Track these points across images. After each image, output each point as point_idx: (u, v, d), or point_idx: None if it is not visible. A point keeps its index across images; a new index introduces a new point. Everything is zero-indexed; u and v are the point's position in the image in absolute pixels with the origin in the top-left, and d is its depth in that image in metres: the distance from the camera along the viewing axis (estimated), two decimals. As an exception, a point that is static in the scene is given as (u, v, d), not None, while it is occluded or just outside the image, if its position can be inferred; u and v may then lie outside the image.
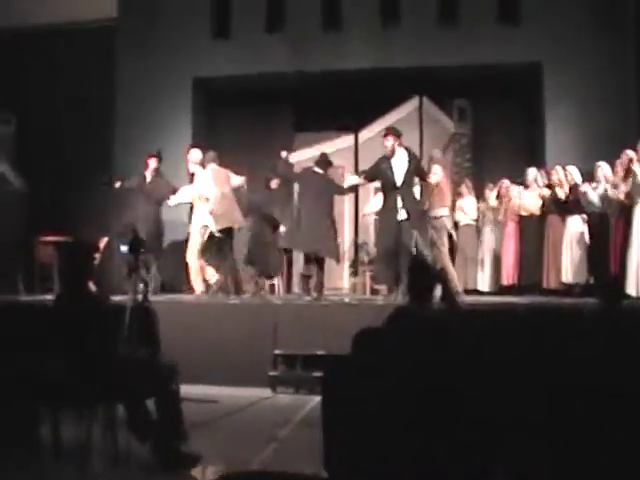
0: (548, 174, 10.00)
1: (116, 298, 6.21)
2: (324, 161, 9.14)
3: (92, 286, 5.71)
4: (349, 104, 12.35)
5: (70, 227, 10.33)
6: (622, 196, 8.55)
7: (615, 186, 8.72)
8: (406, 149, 8.63)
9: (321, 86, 12.22)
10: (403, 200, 8.35)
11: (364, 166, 12.49)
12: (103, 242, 10.22)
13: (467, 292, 9.93)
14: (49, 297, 6.99)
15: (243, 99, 12.95)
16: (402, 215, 8.35)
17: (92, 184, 11.04)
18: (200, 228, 9.29)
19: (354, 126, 13.12)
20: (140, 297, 5.23)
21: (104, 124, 12.23)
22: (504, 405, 3.20)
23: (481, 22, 11.51)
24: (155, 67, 12.25)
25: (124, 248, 5.28)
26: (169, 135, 11.64)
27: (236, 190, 9.54)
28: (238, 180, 9.60)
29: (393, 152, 8.45)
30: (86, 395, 4.33)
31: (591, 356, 3.76)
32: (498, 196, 10.65)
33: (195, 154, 9.67)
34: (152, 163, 9.90)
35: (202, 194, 9.22)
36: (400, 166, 8.43)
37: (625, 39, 11.10)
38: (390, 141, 8.44)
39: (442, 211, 9.09)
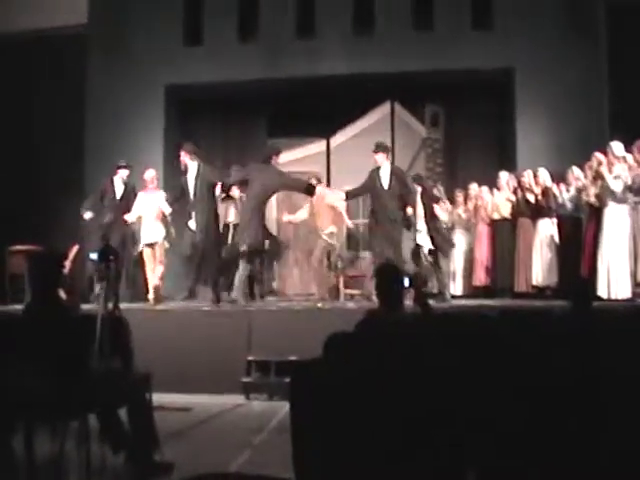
0: (518, 178, 10.08)
1: (87, 307, 6.18)
2: (268, 152, 9.37)
3: (62, 295, 5.68)
4: (321, 110, 12.37)
5: (41, 237, 10.25)
6: (592, 199, 8.66)
7: (585, 189, 8.84)
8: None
9: (293, 92, 12.23)
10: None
11: (336, 171, 12.59)
12: (73, 250, 10.15)
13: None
14: (19, 307, 6.93)
15: (216, 106, 12.95)
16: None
17: (63, 193, 10.97)
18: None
19: (326, 132, 13.15)
20: (111, 306, 5.19)
21: (75, 132, 12.13)
22: (475, 407, 3.23)
23: (454, 28, 11.58)
24: (127, 74, 12.18)
25: (94, 256, 5.24)
26: (141, 143, 11.61)
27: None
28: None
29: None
30: (58, 406, 4.29)
31: (560, 358, 3.79)
32: (466, 200, 10.73)
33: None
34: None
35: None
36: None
37: (596, 44, 11.20)
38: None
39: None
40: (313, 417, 3.27)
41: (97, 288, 8.35)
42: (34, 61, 12.56)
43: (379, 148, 9.34)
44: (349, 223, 10.81)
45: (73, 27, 12.63)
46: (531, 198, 9.59)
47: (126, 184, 10.09)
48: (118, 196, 10.03)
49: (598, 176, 8.58)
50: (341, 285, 11.08)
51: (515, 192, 10.04)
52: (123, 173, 10.05)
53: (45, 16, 12.52)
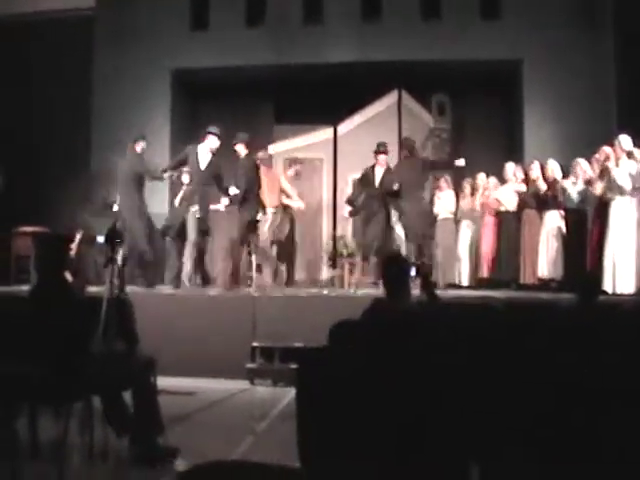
0: (526, 169, 10.05)
1: (93, 289, 6.18)
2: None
3: (68, 277, 5.68)
4: (329, 97, 12.31)
5: (47, 218, 10.26)
6: (599, 192, 8.62)
7: (592, 182, 8.80)
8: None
9: (301, 79, 12.19)
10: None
11: (343, 159, 12.59)
12: (80, 233, 10.14)
13: (446, 286, 10.01)
14: (24, 288, 6.94)
15: (223, 91, 12.90)
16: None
17: (70, 175, 10.97)
18: None
19: (333, 119, 13.11)
20: (116, 288, 5.18)
21: (82, 115, 12.11)
22: (479, 399, 3.22)
23: (462, 18, 11.53)
24: (134, 59, 12.16)
25: (101, 238, 5.23)
26: (148, 127, 11.56)
27: None
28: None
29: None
30: (62, 388, 4.29)
31: (565, 351, 3.78)
32: (473, 191, 10.72)
33: None
34: None
35: None
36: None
37: (605, 35, 11.16)
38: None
39: None
40: (319, 404, 3.27)
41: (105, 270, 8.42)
42: (42, 44, 12.51)
43: (384, 147, 10.08)
44: (301, 205, 11.11)
45: (81, 10, 12.60)
46: (539, 190, 9.55)
47: (213, 154, 9.57)
48: (203, 166, 9.53)
49: (605, 171, 8.54)
50: (346, 272, 11.09)
51: (522, 183, 10.01)
52: (212, 142, 9.57)
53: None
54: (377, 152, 10.07)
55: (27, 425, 4.42)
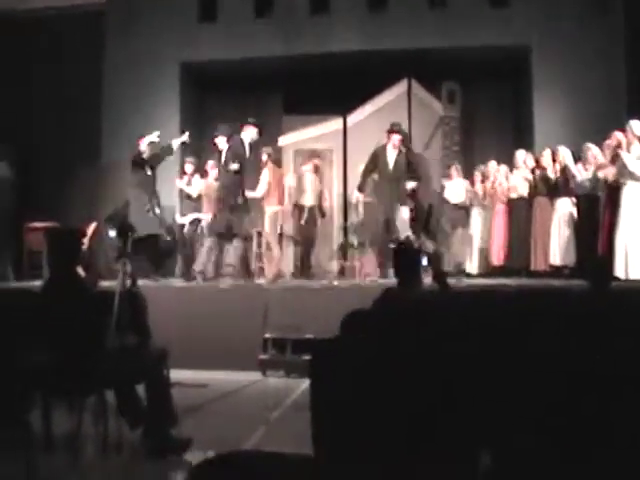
0: (537, 156, 10.01)
1: (105, 283, 6.21)
2: None
3: (81, 271, 5.70)
4: (338, 87, 12.30)
5: (59, 213, 10.30)
6: (610, 178, 8.58)
7: (603, 168, 8.75)
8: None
9: (310, 69, 12.17)
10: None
11: (353, 149, 12.55)
12: (92, 227, 10.18)
13: (457, 273, 10.00)
14: (38, 283, 6.97)
15: (231, 83, 12.92)
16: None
17: (80, 170, 11.01)
18: None
19: (343, 109, 13.08)
20: (129, 282, 5.21)
21: (92, 110, 12.15)
22: (490, 386, 3.22)
23: (470, 4, 11.48)
24: (142, 52, 12.18)
25: (112, 233, 5.25)
26: (157, 120, 11.57)
27: None
28: None
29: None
30: (76, 382, 4.32)
31: (577, 338, 3.77)
32: (484, 178, 10.68)
33: None
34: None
35: None
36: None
37: (614, 20, 11.08)
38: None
39: None
40: (333, 395, 3.28)
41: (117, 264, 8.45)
42: (53, 38, 12.58)
43: (398, 127, 9.61)
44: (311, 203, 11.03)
45: (91, 4, 12.62)
46: (550, 176, 9.51)
47: (251, 145, 9.52)
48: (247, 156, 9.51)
49: (616, 156, 8.49)
50: (357, 264, 11.09)
51: (533, 170, 9.97)
52: (251, 132, 9.48)
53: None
54: (391, 131, 9.44)
55: (41, 417, 4.44)
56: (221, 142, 9.49)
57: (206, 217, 10.40)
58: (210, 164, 10.78)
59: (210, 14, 12.34)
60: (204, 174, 11.07)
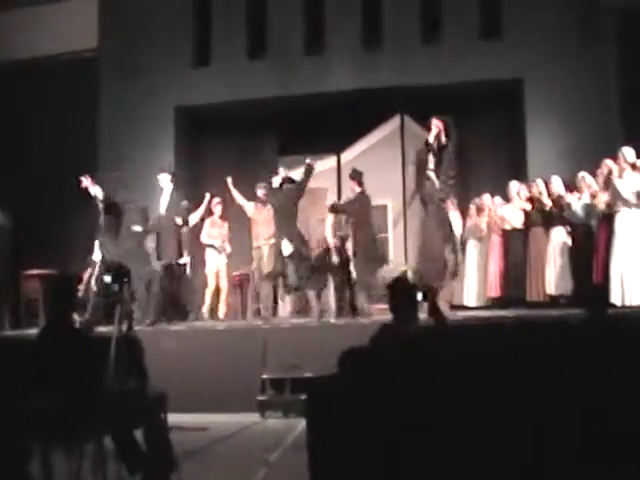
0: (529, 187, 10.06)
1: (101, 329, 6.20)
2: None
3: (77, 317, 5.70)
4: (332, 126, 12.35)
5: (56, 260, 10.29)
6: (603, 206, 8.62)
7: (596, 196, 8.81)
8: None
9: (304, 109, 12.22)
10: None
11: (347, 186, 12.59)
12: (87, 273, 10.16)
13: (453, 307, 9.95)
14: (34, 332, 6.96)
15: (226, 126, 12.96)
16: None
17: (75, 215, 11.02)
18: None
19: (337, 148, 13.15)
20: (125, 327, 5.19)
21: (87, 154, 12.19)
22: (489, 421, 3.21)
23: (462, 39, 11.57)
24: (136, 96, 12.26)
25: (108, 278, 5.25)
26: (152, 164, 11.62)
27: None
28: None
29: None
30: (74, 428, 4.30)
31: (580, 366, 3.77)
32: (479, 211, 10.71)
33: None
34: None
35: None
36: None
37: (606, 52, 11.16)
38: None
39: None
40: (329, 433, 3.27)
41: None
42: (46, 87, 12.67)
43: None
44: None
45: (83, 52, 12.76)
46: (545, 206, 9.55)
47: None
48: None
49: (609, 184, 8.55)
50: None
51: (528, 201, 10.00)
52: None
53: (55, 42, 12.68)
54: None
55: (40, 465, 4.41)
56: None
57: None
58: None
59: (204, 58, 12.47)
60: None
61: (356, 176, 9.85)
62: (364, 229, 9.51)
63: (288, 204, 9.42)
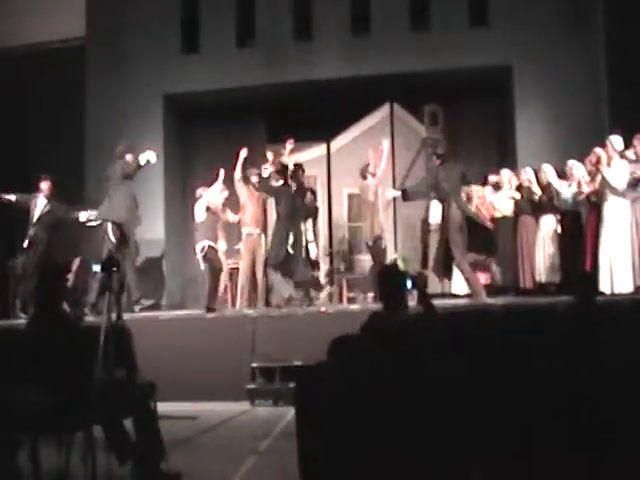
0: (518, 175, 10.06)
1: (90, 318, 6.18)
2: None
3: (66, 307, 5.67)
4: (321, 113, 12.32)
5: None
6: (592, 193, 8.65)
7: (585, 184, 8.82)
8: None
9: (293, 97, 12.21)
10: None
11: (337, 174, 12.59)
12: (76, 263, 10.12)
13: (443, 295, 9.98)
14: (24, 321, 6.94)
15: (215, 113, 12.92)
16: None
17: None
18: None
19: (326, 135, 13.12)
20: (114, 316, 5.18)
21: (75, 143, 12.13)
22: (479, 409, 3.21)
23: (451, 26, 11.56)
24: (125, 84, 12.21)
25: (97, 267, 5.23)
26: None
27: None
28: None
29: None
30: (63, 418, 4.29)
31: (569, 353, 3.78)
32: (469, 199, 10.70)
33: None
34: None
35: None
36: None
37: (595, 38, 11.15)
38: None
39: None
40: (318, 421, 3.27)
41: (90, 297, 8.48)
42: (33, 75, 12.58)
43: None
44: None
45: (71, 40, 12.67)
46: (534, 195, 9.56)
47: None
48: None
49: (597, 172, 8.57)
50: (344, 288, 11.07)
51: (518, 189, 10.01)
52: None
53: (43, 30, 12.58)
54: None
55: (29, 457, 4.40)
56: None
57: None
58: None
59: (192, 45, 12.43)
60: None
61: None
62: None
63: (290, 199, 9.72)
